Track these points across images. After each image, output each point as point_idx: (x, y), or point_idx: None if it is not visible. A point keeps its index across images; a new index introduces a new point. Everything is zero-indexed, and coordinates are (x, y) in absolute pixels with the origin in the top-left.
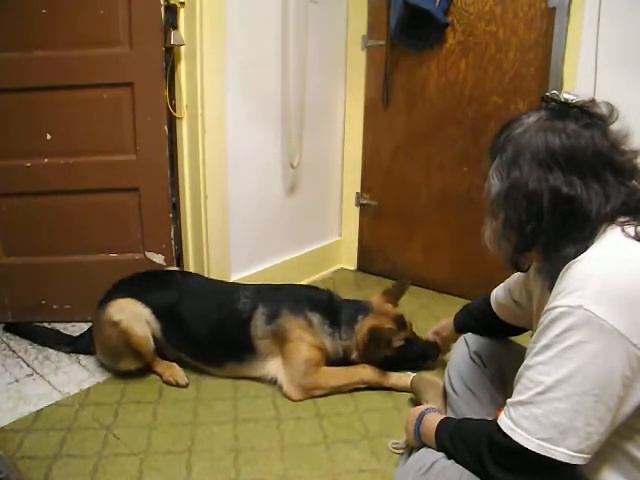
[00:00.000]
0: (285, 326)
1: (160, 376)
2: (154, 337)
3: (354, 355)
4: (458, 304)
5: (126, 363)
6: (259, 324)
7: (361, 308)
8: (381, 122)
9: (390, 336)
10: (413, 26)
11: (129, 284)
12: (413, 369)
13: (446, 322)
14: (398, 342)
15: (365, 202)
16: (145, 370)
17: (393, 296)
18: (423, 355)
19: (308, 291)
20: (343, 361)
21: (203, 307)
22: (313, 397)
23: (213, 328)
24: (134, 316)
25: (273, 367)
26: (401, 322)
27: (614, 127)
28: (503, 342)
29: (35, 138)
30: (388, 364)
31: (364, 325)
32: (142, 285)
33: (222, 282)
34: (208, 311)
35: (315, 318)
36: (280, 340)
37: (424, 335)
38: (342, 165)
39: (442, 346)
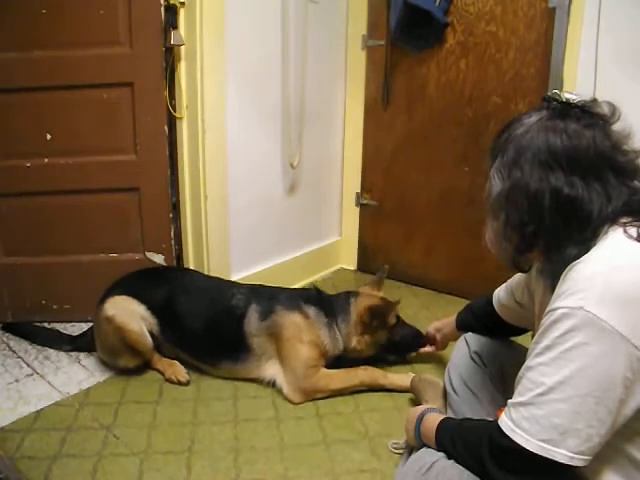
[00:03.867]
0: (280, 322)
1: (162, 374)
2: (152, 334)
3: (354, 342)
4: (458, 304)
5: (125, 360)
6: (253, 321)
7: (350, 294)
8: (381, 122)
9: (387, 308)
10: (413, 26)
11: (125, 282)
12: (405, 356)
13: (448, 320)
14: (393, 319)
15: (365, 202)
16: (145, 368)
17: (375, 284)
18: (413, 340)
19: (300, 290)
20: (343, 360)
21: (198, 303)
22: (314, 400)
23: (207, 324)
24: (128, 312)
25: (270, 370)
26: (388, 301)
27: (616, 127)
28: (503, 342)
29: (35, 138)
30: (384, 350)
31: (359, 305)
32: (138, 282)
33: (218, 279)
34: (202, 307)
35: (311, 310)
36: (275, 338)
37: (424, 330)
38: (342, 165)
39: (441, 343)
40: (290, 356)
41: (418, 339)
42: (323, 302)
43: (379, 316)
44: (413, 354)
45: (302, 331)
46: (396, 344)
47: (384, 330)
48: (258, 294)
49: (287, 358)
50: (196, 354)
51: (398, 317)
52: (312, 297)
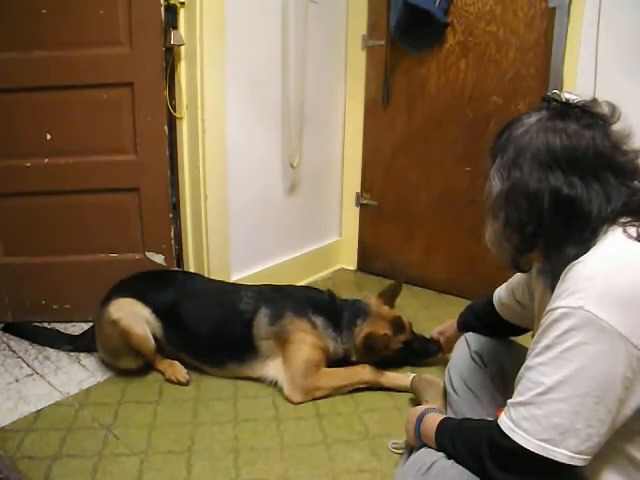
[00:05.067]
0: (289, 328)
1: (162, 374)
2: (155, 337)
3: (354, 357)
4: (458, 304)
5: (127, 362)
6: (262, 325)
7: (360, 311)
8: (381, 122)
9: (386, 343)
10: (413, 26)
11: (130, 284)
12: (414, 365)
13: (450, 322)
14: (396, 345)
15: (365, 202)
16: (146, 369)
17: (389, 297)
18: (424, 352)
19: (310, 292)
20: (343, 361)
21: (204, 307)
22: (314, 399)
23: (214, 328)
24: (133, 315)
25: (273, 368)
26: (399, 324)
27: (616, 127)
28: (504, 342)
29: (35, 138)
30: (389, 363)
31: (362, 331)
32: (143, 285)
33: (223, 282)
34: (209, 311)
35: (319, 321)
36: (282, 341)
37: (426, 335)
38: (342, 165)
39: (445, 345)
40: (293, 356)
41: (430, 351)
42: (333, 312)
43: (376, 349)
44: None
45: (308, 337)
46: (404, 357)
47: (384, 352)
48: (267, 297)
49: (290, 358)
50: (201, 356)
51: (412, 330)
52: (322, 305)
